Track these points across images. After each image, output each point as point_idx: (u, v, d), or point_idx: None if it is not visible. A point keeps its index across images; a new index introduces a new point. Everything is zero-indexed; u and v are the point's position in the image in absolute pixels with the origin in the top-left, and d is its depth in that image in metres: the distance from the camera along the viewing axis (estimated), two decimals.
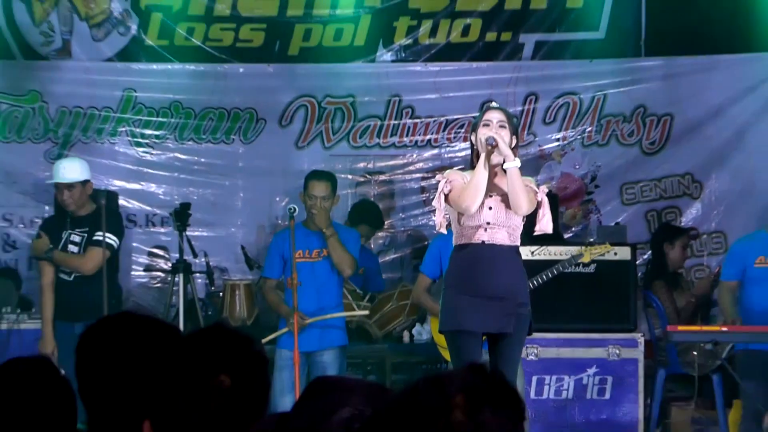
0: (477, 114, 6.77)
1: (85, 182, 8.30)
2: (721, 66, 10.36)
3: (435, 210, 6.47)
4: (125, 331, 2.91)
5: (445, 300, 6.53)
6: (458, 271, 6.42)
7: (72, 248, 8.23)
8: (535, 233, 6.52)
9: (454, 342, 6.46)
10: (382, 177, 10.40)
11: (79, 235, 8.23)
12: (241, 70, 10.41)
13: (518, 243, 6.45)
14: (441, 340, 7.50)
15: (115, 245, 8.27)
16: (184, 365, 2.48)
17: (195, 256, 9.05)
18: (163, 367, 2.52)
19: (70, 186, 8.22)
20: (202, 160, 10.32)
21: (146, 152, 10.29)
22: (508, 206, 6.28)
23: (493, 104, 6.62)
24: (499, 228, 6.32)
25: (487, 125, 6.31)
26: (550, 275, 8.16)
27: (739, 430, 8.61)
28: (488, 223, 6.31)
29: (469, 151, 6.71)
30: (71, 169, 8.31)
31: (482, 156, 6.26)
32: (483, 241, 6.32)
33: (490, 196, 6.28)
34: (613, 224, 10.05)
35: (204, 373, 2.47)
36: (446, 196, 6.33)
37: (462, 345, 6.38)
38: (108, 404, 2.78)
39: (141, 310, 8.27)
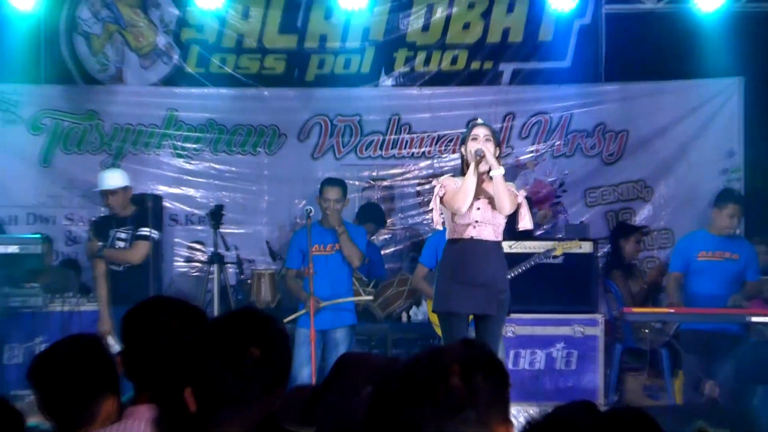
0: (464, 130, 6.75)
1: (126, 188, 8.33)
2: (668, 90, 10.36)
3: (432, 210, 6.46)
4: (158, 311, 2.94)
5: (438, 285, 6.53)
6: (450, 262, 6.42)
7: (119, 244, 8.24)
8: (518, 229, 6.53)
9: (446, 321, 6.47)
10: (384, 183, 10.38)
11: (125, 233, 8.25)
12: (265, 93, 10.40)
13: (501, 238, 6.44)
14: (436, 319, 7.51)
15: (155, 237, 8.32)
16: (222, 340, 2.49)
17: (227, 249, 9.08)
18: (199, 341, 2.52)
19: (113, 192, 8.26)
20: (233, 169, 10.31)
21: (186, 162, 10.30)
22: (493, 207, 6.28)
23: (479, 121, 6.61)
24: (486, 225, 6.33)
25: (475, 139, 6.32)
26: (527, 266, 8.19)
27: (683, 396, 8.62)
28: (477, 221, 6.31)
29: (457, 162, 6.73)
30: (112, 178, 8.35)
31: (472, 165, 6.26)
32: (472, 237, 6.32)
33: (478, 199, 6.29)
34: (578, 223, 10.05)
35: (239, 345, 2.48)
36: (441, 198, 6.34)
37: (452, 324, 6.38)
38: (151, 374, 2.78)
39: (180, 294, 8.30)
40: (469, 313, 6.42)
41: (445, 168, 9.90)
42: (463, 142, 6.43)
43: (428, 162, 10.35)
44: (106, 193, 8.27)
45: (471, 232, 6.33)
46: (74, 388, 2.98)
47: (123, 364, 2.90)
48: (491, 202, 6.28)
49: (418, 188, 10.33)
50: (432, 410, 1.99)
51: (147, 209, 8.38)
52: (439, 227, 6.58)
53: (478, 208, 6.30)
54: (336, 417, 2.19)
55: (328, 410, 2.21)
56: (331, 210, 8.20)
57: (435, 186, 6.49)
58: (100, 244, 8.21)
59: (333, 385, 2.24)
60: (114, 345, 7.15)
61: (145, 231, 8.19)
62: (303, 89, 10.40)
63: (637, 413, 2.63)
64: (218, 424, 2.43)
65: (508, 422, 2.07)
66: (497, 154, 6.32)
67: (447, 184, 6.40)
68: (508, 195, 6.24)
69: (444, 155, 10.26)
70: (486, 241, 6.34)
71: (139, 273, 8.12)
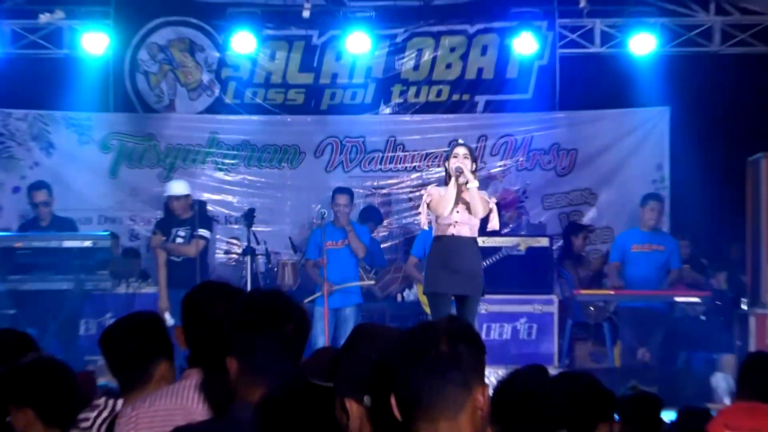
0: (448, 149, 6.76)
1: (187, 196, 8.37)
2: (609, 117, 10.36)
3: (420, 213, 6.46)
4: (211, 293, 2.92)
5: (427, 272, 6.53)
6: (436, 254, 6.41)
7: (179, 240, 8.29)
8: (488, 230, 6.54)
9: (433, 300, 6.46)
10: (383, 191, 10.35)
11: (184, 231, 8.29)
12: (288, 119, 10.39)
13: (476, 235, 6.45)
14: (424, 299, 7.51)
15: (208, 237, 8.36)
16: (265, 318, 2.48)
17: (258, 244, 9.05)
18: (244, 319, 2.50)
19: (178, 198, 8.30)
20: (263, 180, 10.29)
21: (225, 174, 10.28)
22: (470, 211, 6.28)
23: (460, 141, 6.62)
24: (464, 225, 6.32)
25: (456, 157, 6.31)
26: (498, 257, 8.21)
27: (621, 360, 8.64)
28: (456, 222, 6.30)
29: (441, 174, 6.74)
30: (179, 187, 8.41)
31: (453, 178, 6.27)
32: (452, 234, 6.31)
33: (458, 204, 6.28)
34: (537, 222, 10.06)
35: (279, 323, 2.47)
36: (428, 204, 6.34)
37: (438, 302, 6.38)
38: (202, 344, 2.78)
39: (221, 280, 8.31)
40: (451, 293, 6.41)
41: (432, 179, 9.89)
42: (447, 158, 6.43)
43: (418, 174, 10.33)
44: (173, 199, 8.32)
45: (452, 230, 6.33)
46: (134, 353, 2.97)
47: (183, 336, 2.90)
48: (468, 207, 6.27)
49: (410, 195, 10.31)
50: (425, 371, 2.00)
51: (196, 212, 8.42)
52: (426, 227, 6.60)
53: (458, 212, 6.29)
54: (351, 375, 2.18)
55: (345, 369, 2.20)
56: (341, 213, 8.23)
57: (423, 194, 6.51)
58: (163, 238, 8.25)
59: (350, 349, 2.23)
60: (169, 320, 7.23)
61: (201, 232, 8.28)
62: (318, 116, 10.38)
63: (584, 374, 2.64)
64: (252, 386, 2.42)
65: (484, 383, 2.08)
66: (473, 169, 6.33)
67: (433, 192, 6.40)
68: (481, 202, 6.25)
69: (431, 169, 10.24)
70: (464, 237, 6.34)
71: (190, 263, 8.16)
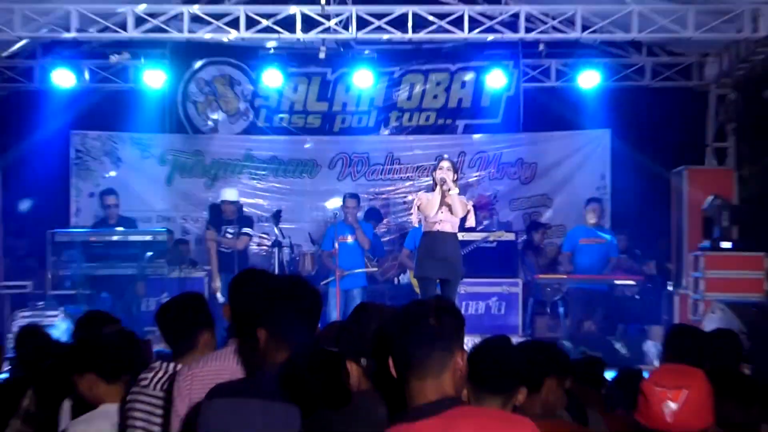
0: (435, 162, 6.75)
1: (237, 201, 8.42)
2: (562, 137, 10.33)
3: (412, 214, 6.46)
4: (250, 278, 2.90)
5: (417, 260, 6.51)
6: (425, 246, 6.40)
7: (228, 236, 8.37)
8: (466, 227, 6.53)
9: (422, 283, 6.45)
10: (383, 196, 10.34)
11: (233, 229, 8.35)
12: (308, 139, 10.36)
13: (457, 231, 6.44)
14: (415, 282, 7.49)
15: (252, 234, 8.40)
16: (290, 297, 2.47)
17: (283, 238, 9.03)
18: (270, 297, 2.49)
19: (230, 203, 8.34)
20: (288, 187, 10.25)
21: (257, 183, 10.25)
22: (451, 212, 6.28)
23: (445, 156, 6.63)
24: (446, 223, 6.31)
25: (441, 169, 6.31)
26: (473, 247, 8.20)
27: (571, 330, 8.63)
28: (441, 221, 6.30)
29: (429, 182, 6.71)
30: (232, 194, 8.54)
31: (438, 186, 6.26)
32: (438, 230, 6.31)
33: (442, 206, 6.28)
34: (505, 221, 10.04)
35: (300, 300, 2.46)
36: (418, 207, 6.34)
37: (426, 285, 6.37)
38: (243, 317, 2.77)
39: (257, 267, 8.30)
40: (437, 277, 6.40)
41: (422, 186, 9.86)
42: (434, 170, 6.43)
43: (411, 183, 10.31)
44: (227, 203, 8.39)
45: (437, 227, 6.33)
46: (183, 325, 2.96)
47: (229, 312, 2.87)
48: (450, 208, 6.27)
49: (405, 199, 10.28)
50: (416, 339, 2.00)
51: (241, 214, 8.51)
52: (416, 225, 6.59)
53: (442, 212, 6.29)
54: (352, 343, 2.18)
55: (347, 338, 2.20)
56: (350, 213, 8.23)
57: (414, 198, 6.51)
58: (215, 233, 8.31)
59: (353, 322, 2.24)
60: (221, 298, 7.28)
61: (246, 230, 8.35)
62: (332, 136, 10.35)
63: (543, 342, 2.62)
64: (277, 351, 2.41)
65: (463, 348, 2.08)
66: (455, 179, 6.32)
67: (422, 197, 6.40)
68: (460, 205, 6.25)
69: (421, 178, 10.23)
70: (447, 232, 6.34)
71: (235, 253, 8.22)
